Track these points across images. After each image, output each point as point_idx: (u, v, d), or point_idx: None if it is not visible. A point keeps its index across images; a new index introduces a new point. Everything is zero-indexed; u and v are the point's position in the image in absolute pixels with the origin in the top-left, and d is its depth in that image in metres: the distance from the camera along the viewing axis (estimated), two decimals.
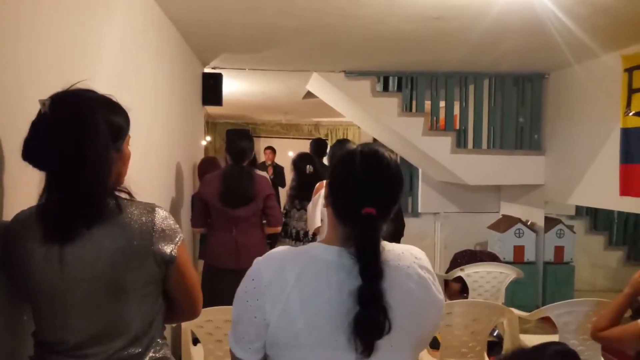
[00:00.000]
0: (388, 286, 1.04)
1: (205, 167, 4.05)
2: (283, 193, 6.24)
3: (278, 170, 7.82)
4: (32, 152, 1.13)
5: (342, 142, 3.53)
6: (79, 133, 1.13)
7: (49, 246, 1.13)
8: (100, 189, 1.16)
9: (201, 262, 3.52)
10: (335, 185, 1.13)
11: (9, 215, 1.23)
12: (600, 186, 4.14)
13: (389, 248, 1.10)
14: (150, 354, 1.24)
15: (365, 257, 1.03)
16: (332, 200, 1.12)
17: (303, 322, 1.03)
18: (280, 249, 1.14)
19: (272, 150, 8.13)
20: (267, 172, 7.48)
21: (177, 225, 1.27)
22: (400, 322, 1.06)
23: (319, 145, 5.36)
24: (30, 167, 1.16)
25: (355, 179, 1.09)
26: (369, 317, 1.01)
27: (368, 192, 1.07)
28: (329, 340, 1.04)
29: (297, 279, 1.04)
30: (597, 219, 6.25)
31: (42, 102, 1.12)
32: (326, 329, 1.03)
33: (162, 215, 1.24)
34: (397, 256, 1.09)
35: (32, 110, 1.16)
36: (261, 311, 1.05)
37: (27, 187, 1.24)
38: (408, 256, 1.11)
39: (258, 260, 1.11)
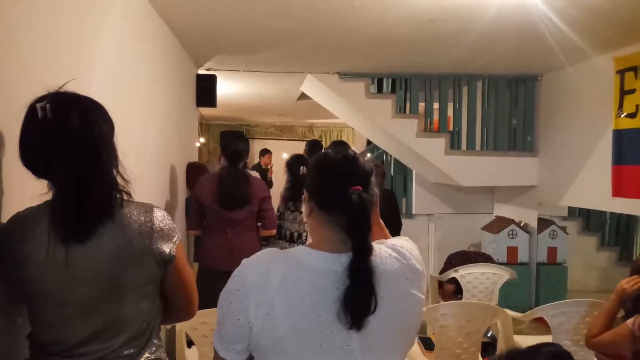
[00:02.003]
0: (378, 289, 1.05)
1: (194, 172, 4.05)
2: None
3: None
4: (38, 159, 1.14)
5: (337, 144, 3.53)
6: (88, 134, 1.15)
7: (52, 247, 1.13)
8: (112, 186, 1.18)
9: (196, 265, 3.51)
10: (318, 182, 1.15)
11: (4, 217, 1.23)
12: (593, 187, 4.17)
13: (375, 252, 1.10)
14: (146, 355, 1.24)
15: (357, 234, 1.05)
16: (317, 196, 1.13)
17: (287, 326, 1.03)
18: (267, 250, 1.14)
19: (270, 153, 8.21)
20: (269, 174, 7.64)
21: (175, 225, 1.29)
22: (390, 326, 1.07)
23: (314, 147, 5.35)
24: (22, 168, 1.15)
25: (336, 167, 1.14)
26: (358, 291, 1.03)
27: (350, 175, 1.11)
28: (313, 345, 1.04)
29: (281, 282, 1.04)
30: (589, 220, 6.29)
31: (42, 107, 1.11)
32: (310, 334, 1.04)
33: (160, 215, 1.25)
34: (384, 260, 1.10)
35: (22, 111, 1.15)
36: (245, 314, 1.04)
37: (22, 188, 1.24)
38: (396, 259, 1.12)
39: (245, 262, 1.11)
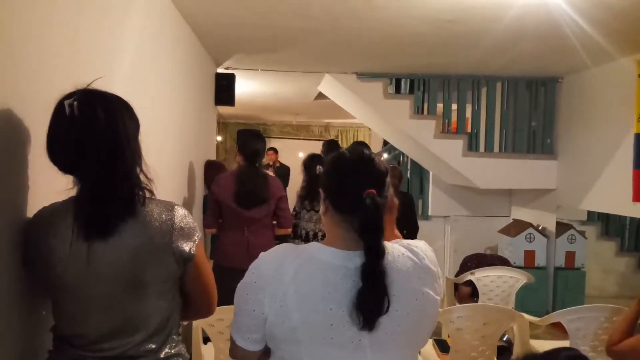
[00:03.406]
0: (389, 287, 1.07)
1: (212, 170, 4.08)
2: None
3: (283, 171, 7.93)
4: (65, 155, 1.16)
5: (357, 145, 3.51)
6: (114, 132, 1.17)
7: (75, 242, 1.16)
8: (135, 184, 1.20)
9: (211, 262, 3.54)
10: (333, 182, 1.17)
11: (31, 212, 1.25)
12: (613, 192, 4.11)
13: (389, 250, 1.12)
14: (166, 350, 1.26)
15: (369, 236, 1.07)
16: (331, 196, 1.16)
17: (299, 319, 1.06)
18: (283, 245, 1.18)
19: (274, 151, 8.28)
20: (270, 172, 7.69)
21: (195, 224, 1.30)
22: (401, 323, 1.09)
23: (331, 147, 5.36)
24: (49, 164, 1.18)
25: (351, 168, 1.15)
26: (371, 292, 1.05)
27: (364, 176, 1.13)
28: (324, 337, 1.07)
29: (293, 276, 1.08)
30: (608, 224, 6.20)
31: (69, 104, 1.13)
32: (321, 327, 1.07)
33: (181, 214, 1.26)
34: (397, 258, 1.12)
35: (48, 109, 1.17)
36: (260, 305, 1.09)
37: (47, 184, 1.26)
38: (408, 257, 1.14)
39: (262, 255, 1.15)
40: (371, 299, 1.05)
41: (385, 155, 6.90)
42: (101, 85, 1.25)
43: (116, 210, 1.17)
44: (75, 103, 1.13)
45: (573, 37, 3.26)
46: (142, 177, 1.23)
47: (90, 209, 1.16)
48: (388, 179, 1.17)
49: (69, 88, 1.19)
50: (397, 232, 1.32)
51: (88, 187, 1.17)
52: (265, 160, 7.96)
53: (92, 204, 1.16)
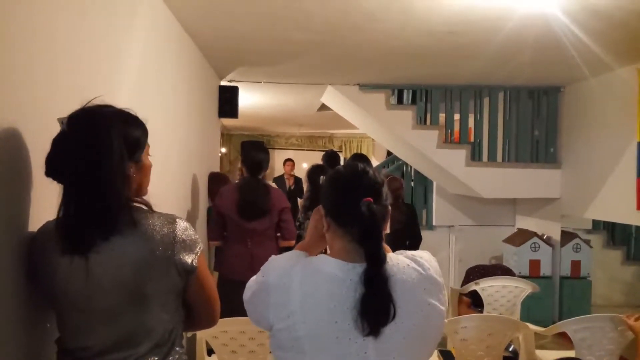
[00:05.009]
0: (395, 298, 1.08)
1: (215, 183, 4.10)
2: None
3: (298, 182, 8.05)
4: (53, 168, 1.18)
5: (356, 157, 3.51)
6: (93, 149, 1.17)
7: (74, 256, 1.17)
8: (114, 201, 1.18)
9: (216, 274, 3.54)
10: (331, 198, 1.21)
11: (34, 226, 1.27)
12: (617, 200, 4.10)
13: (394, 262, 1.13)
14: None
15: (369, 243, 1.09)
16: (331, 212, 1.19)
17: (304, 330, 1.08)
18: (292, 254, 1.20)
19: (292, 162, 8.37)
20: (288, 182, 7.83)
21: (197, 236, 1.31)
22: (407, 335, 1.10)
23: (331, 158, 5.38)
24: (54, 181, 1.20)
25: (347, 182, 1.19)
26: (374, 298, 1.06)
27: (360, 188, 1.16)
28: (330, 350, 1.08)
29: (299, 287, 1.10)
30: (614, 233, 6.16)
31: (61, 121, 1.18)
32: (326, 340, 1.07)
33: (182, 226, 1.27)
34: (402, 269, 1.13)
35: (52, 124, 1.20)
36: (265, 306, 1.12)
37: (52, 199, 1.28)
38: (413, 269, 1.14)
39: (272, 259, 1.19)
40: (374, 304, 1.06)
41: (384, 169, 6.91)
42: (105, 100, 1.26)
43: (92, 227, 1.17)
44: (65, 119, 1.17)
45: (572, 48, 3.28)
46: (135, 192, 1.24)
47: (67, 224, 1.17)
48: (385, 189, 1.19)
49: (73, 103, 1.21)
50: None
51: (65, 202, 1.19)
52: (284, 171, 8.14)
53: (66, 219, 1.18)
